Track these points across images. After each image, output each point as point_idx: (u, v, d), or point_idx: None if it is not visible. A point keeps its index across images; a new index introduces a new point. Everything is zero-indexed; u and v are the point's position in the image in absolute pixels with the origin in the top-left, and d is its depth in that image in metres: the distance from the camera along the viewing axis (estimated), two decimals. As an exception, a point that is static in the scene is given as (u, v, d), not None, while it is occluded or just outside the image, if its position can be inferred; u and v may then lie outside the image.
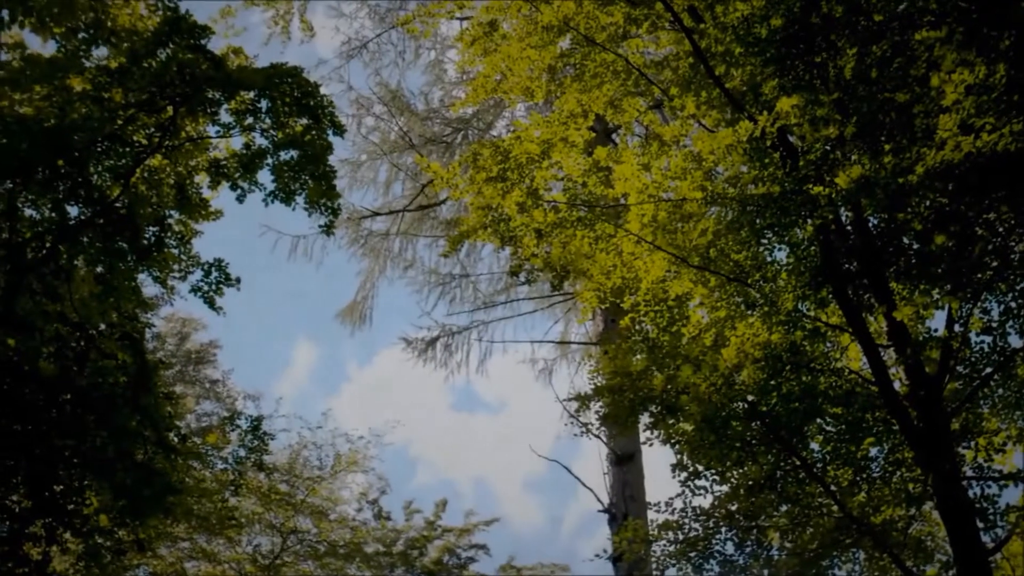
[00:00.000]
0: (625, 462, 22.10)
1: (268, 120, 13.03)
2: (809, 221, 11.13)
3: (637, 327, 14.27)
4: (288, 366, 54.54)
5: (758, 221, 11.58)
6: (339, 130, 13.29)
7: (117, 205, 12.98)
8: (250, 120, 13.05)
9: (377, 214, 28.25)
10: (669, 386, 13.58)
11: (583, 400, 16.73)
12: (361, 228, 28.23)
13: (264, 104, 12.92)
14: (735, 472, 13.55)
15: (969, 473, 12.19)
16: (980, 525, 11.53)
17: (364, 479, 28.63)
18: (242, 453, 17.31)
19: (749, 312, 12.60)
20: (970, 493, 11.79)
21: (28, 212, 13.27)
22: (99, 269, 13.58)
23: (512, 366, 50.01)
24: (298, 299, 55.87)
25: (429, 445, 52.09)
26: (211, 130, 13.57)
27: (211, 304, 13.87)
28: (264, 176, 13.57)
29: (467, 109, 25.97)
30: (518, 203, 13.84)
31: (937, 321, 11.99)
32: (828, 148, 10.80)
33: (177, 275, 14.16)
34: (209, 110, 12.94)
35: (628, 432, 20.50)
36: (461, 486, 52.94)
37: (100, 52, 13.55)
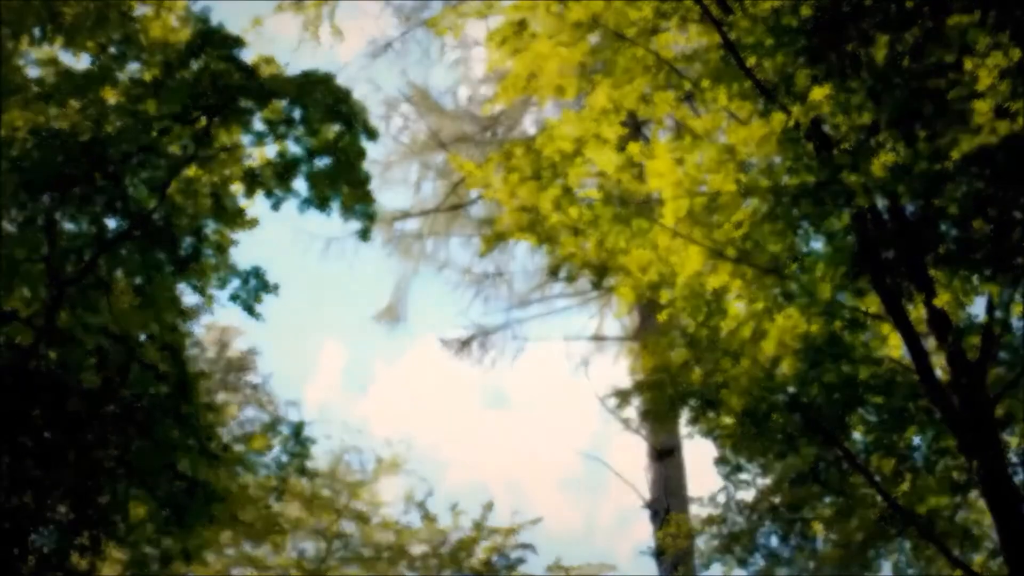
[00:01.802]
0: (665, 457, 22.09)
1: (301, 128, 13.08)
2: (845, 210, 11.07)
3: (675, 322, 14.24)
4: (316, 368, 54.62)
5: (793, 211, 11.53)
6: (372, 135, 13.32)
7: (154, 217, 13.05)
8: (283, 128, 13.11)
9: (409, 215, 28.30)
10: (709, 380, 13.55)
11: (622, 396, 16.76)
12: (393, 229, 28.28)
13: (297, 112, 12.99)
14: (777, 465, 13.53)
15: (1014, 459, 12.11)
16: (1027, 511, 11.46)
17: (406, 481, 28.68)
18: (284, 459, 17.41)
19: (787, 303, 12.54)
20: (1016, 479, 11.71)
21: (67, 226, 13.37)
22: (138, 281, 13.64)
23: (542, 364, 49.84)
24: (324, 299, 55.86)
25: (459, 445, 52.07)
26: (245, 139, 13.62)
27: (250, 312, 13.93)
28: (298, 181, 13.66)
29: (495, 107, 25.96)
30: (553, 201, 13.83)
31: (978, 307, 11.88)
32: (862, 136, 10.73)
33: (216, 285, 14.24)
34: (242, 119, 13.02)
35: (668, 427, 20.54)
36: (493, 485, 52.93)
37: (133, 65, 13.65)
